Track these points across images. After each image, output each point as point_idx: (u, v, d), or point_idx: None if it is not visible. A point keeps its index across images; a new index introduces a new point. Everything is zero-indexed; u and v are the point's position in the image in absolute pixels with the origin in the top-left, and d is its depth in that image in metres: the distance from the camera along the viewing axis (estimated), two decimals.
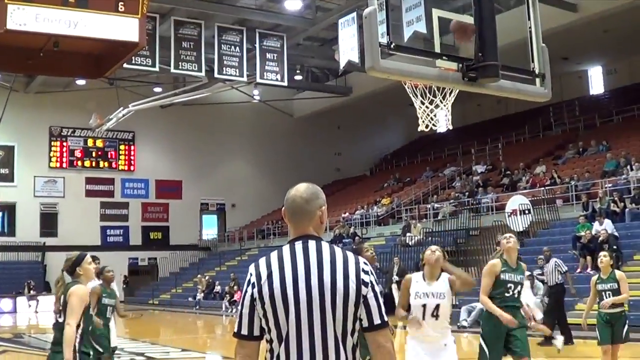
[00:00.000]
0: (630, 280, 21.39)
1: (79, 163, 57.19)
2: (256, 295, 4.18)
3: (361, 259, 4.29)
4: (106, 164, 58.21)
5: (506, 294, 9.12)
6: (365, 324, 4.19)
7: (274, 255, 4.28)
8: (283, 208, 4.48)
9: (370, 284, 4.20)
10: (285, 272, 4.16)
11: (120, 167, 58.73)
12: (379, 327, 4.19)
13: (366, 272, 4.21)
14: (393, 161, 62.40)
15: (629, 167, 33.05)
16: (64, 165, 56.71)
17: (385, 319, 4.23)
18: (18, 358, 21.30)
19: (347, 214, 47.39)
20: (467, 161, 48.97)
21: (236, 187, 60.60)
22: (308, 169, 58.71)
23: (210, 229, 63.15)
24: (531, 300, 19.06)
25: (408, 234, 36.87)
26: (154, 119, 54.62)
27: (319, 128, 60.64)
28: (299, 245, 4.26)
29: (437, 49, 8.98)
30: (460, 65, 9.05)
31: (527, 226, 30.88)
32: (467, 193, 40.60)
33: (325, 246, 4.27)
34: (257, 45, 38.40)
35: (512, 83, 9.62)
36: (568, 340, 19.37)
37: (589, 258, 25.66)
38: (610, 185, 32.13)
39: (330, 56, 41.44)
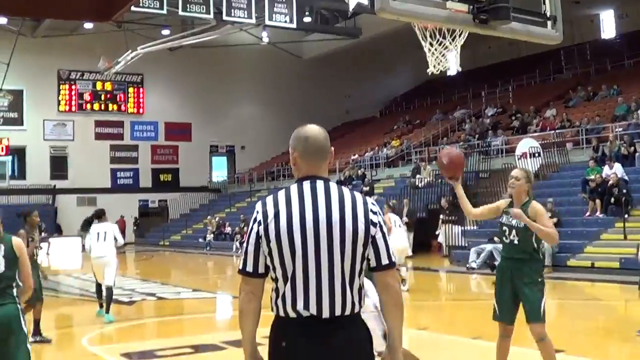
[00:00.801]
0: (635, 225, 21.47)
1: (88, 106, 57.24)
2: (262, 233, 4.15)
3: (369, 199, 4.26)
4: (115, 107, 58.23)
5: (504, 239, 8.37)
6: (373, 264, 4.18)
7: (281, 193, 4.25)
8: (294, 147, 4.35)
9: (378, 224, 4.17)
10: (292, 211, 4.11)
11: (130, 110, 58.75)
12: (387, 267, 4.18)
13: (374, 213, 4.18)
14: (403, 103, 62.25)
15: (639, 111, 32.88)
16: (73, 108, 56.74)
17: (394, 259, 4.21)
18: None
19: (356, 156, 47.35)
20: (477, 104, 48.82)
21: (245, 129, 60.58)
22: (317, 111, 58.60)
23: (220, 171, 63.29)
24: None
25: (418, 176, 36.86)
26: (163, 61, 54.46)
27: (328, 70, 60.35)
28: (306, 185, 4.21)
29: None
30: (471, 6, 8.98)
31: (536, 169, 30.80)
32: (477, 136, 40.52)
33: (334, 186, 4.23)
34: None
35: (523, 25, 9.56)
36: None
37: (598, 201, 25.63)
38: (620, 129, 31.98)
39: None
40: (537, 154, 30.31)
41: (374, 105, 64.28)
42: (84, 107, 57.04)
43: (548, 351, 7.87)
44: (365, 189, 37.10)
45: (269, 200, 4.24)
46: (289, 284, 4.09)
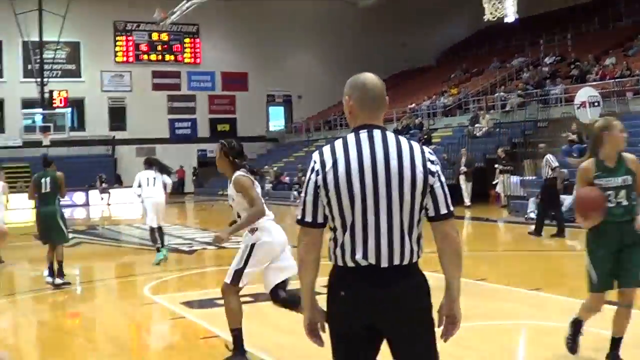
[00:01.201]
0: None
1: (145, 57, 57.67)
2: (320, 182, 4.13)
3: (427, 149, 4.22)
4: (172, 58, 58.59)
5: (609, 205, 7.25)
6: (431, 213, 4.16)
7: (338, 143, 4.22)
8: (350, 95, 4.29)
9: (437, 173, 4.14)
10: (350, 160, 4.08)
11: (186, 60, 59.03)
12: (446, 216, 4.16)
13: (432, 162, 4.14)
14: (460, 51, 61.74)
15: None
16: (130, 59, 57.26)
17: (452, 208, 4.18)
18: (93, 249, 21.74)
19: (413, 105, 47.13)
20: (535, 52, 48.27)
21: (302, 79, 60.63)
22: (374, 59, 58.12)
23: (277, 121, 63.40)
24: None
25: (476, 125, 36.67)
26: (218, 11, 54.55)
27: (384, 18, 59.93)
28: (364, 134, 4.18)
29: None
30: None
31: (596, 119, 30.50)
32: (535, 84, 40.12)
33: (391, 135, 4.19)
34: None
35: None
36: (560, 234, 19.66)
37: None
38: None
39: None
40: (596, 103, 29.94)
41: (431, 54, 63.87)
42: (140, 58, 57.52)
43: (627, 319, 7.40)
44: (423, 138, 36.99)
45: (326, 149, 4.22)
46: (347, 233, 4.09)
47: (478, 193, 31.88)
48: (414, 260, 4.12)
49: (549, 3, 53.42)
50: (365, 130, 4.19)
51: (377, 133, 4.18)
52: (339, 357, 4.26)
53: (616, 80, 34.61)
